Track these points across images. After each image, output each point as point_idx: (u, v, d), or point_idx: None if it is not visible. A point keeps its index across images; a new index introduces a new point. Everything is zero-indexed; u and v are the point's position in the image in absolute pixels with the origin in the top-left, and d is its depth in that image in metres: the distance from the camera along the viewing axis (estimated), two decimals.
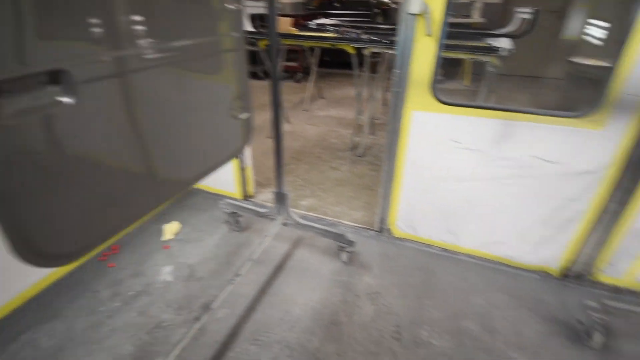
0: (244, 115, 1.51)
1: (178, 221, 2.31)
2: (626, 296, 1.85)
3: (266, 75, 4.24)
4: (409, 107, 1.83)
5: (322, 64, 6.36)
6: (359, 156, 3.32)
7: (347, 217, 2.43)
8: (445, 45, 1.67)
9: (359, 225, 2.33)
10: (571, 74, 4.52)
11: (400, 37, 1.70)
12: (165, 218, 2.35)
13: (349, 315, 1.70)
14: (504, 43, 2.79)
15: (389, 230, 2.23)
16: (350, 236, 1.98)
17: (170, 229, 2.23)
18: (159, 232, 2.22)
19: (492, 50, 2.54)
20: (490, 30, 3.90)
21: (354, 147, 3.49)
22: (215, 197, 2.55)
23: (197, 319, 1.46)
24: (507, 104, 1.58)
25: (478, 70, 4.84)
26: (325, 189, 2.77)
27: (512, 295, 1.83)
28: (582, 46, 4.66)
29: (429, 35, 1.64)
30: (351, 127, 3.86)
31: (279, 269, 1.97)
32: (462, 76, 5.47)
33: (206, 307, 1.51)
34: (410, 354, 1.52)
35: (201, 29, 1.32)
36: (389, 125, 1.92)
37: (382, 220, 2.20)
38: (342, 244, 1.97)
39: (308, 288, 1.84)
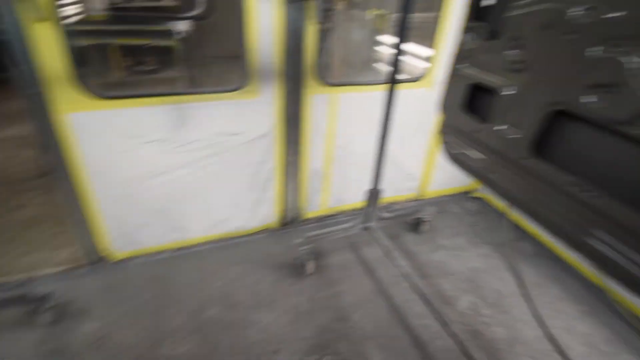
0: None
1: None
2: (326, 221, 2.36)
3: None
4: (60, 110, 1.48)
5: None
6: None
7: (49, 263, 1.86)
8: (111, 30, 1.40)
9: (68, 267, 1.84)
10: None
11: (5, 24, 1.28)
12: None
13: None
14: (184, 26, 2.78)
15: (105, 258, 1.87)
16: (44, 288, 1.52)
17: None
18: None
19: (164, 34, 2.47)
20: (184, 13, 3.87)
21: (47, 170, 2.71)
22: None
23: None
24: (220, 85, 1.57)
25: (186, 56, 4.81)
26: (8, 240, 2.01)
27: (246, 261, 1.95)
28: None
29: (42, 20, 1.31)
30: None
31: None
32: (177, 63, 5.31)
33: None
34: None
35: None
36: (40, 139, 1.51)
37: (91, 251, 1.82)
38: (31, 306, 1.48)
39: None
